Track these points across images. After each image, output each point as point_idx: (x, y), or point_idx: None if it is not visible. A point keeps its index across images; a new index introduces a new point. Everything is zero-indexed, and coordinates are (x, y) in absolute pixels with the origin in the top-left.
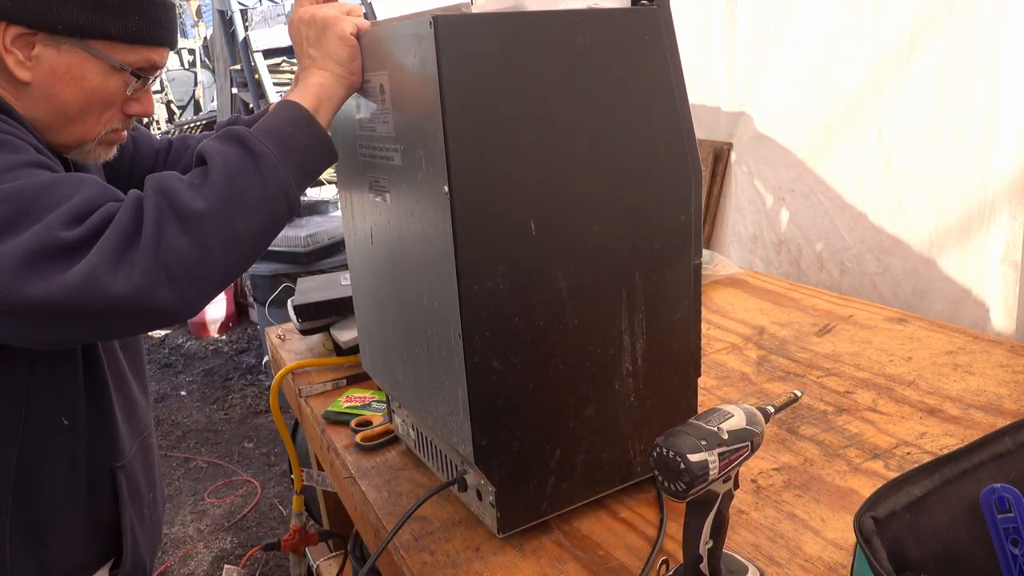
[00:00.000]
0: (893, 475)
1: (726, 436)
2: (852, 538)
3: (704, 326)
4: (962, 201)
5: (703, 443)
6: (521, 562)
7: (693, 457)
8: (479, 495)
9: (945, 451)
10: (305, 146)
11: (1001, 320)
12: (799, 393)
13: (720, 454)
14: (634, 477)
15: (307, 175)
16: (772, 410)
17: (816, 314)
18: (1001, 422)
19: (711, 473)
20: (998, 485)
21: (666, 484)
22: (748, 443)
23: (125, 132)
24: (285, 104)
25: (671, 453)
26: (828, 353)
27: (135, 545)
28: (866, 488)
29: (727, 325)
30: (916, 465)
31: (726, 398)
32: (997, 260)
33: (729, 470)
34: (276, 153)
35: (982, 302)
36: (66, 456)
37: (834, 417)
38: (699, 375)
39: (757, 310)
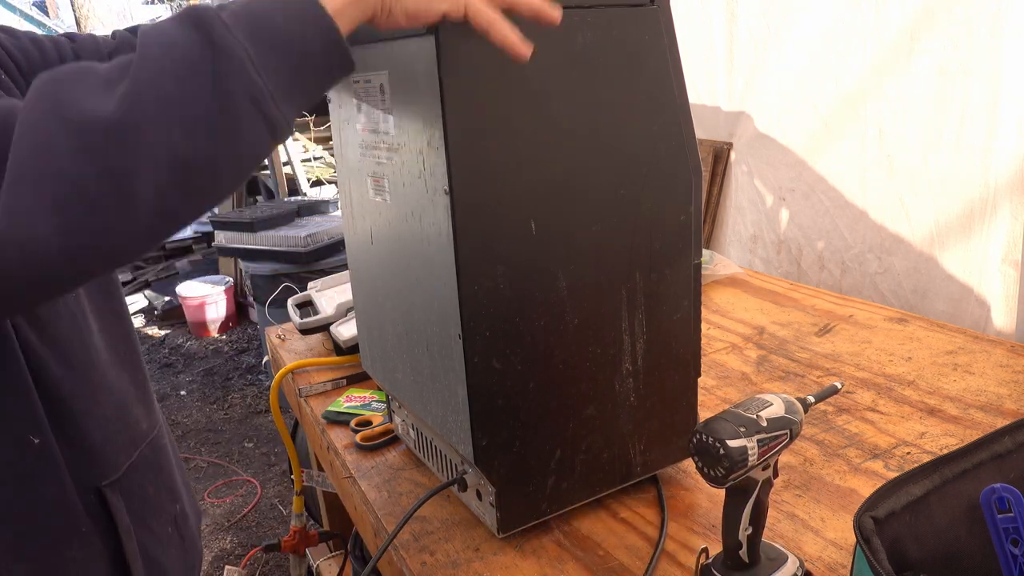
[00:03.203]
0: (893, 475)
1: (765, 424)
2: (852, 538)
3: (704, 326)
4: (963, 200)
5: (742, 430)
6: (521, 562)
7: (732, 443)
8: (479, 495)
9: (945, 451)
10: (300, 43)
11: (1002, 319)
12: (840, 385)
13: (759, 440)
14: (634, 477)
15: (301, 87)
16: (812, 400)
17: (816, 314)
18: (1001, 422)
19: (750, 459)
20: (998, 485)
21: (705, 470)
22: (787, 431)
23: None
24: None
25: (710, 439)
26: (828, 353)
27: (158, 572)
28: (866, 488)
29: (727, 325)
30: (916, 465)
31: (726, 398)
32: (998, 259)
33: (768, 457)
34: (248, 46)
35: (983, 301)
36: (52, 483)
37: (834, 417)
38: (699, 375)
39: (757, 310)
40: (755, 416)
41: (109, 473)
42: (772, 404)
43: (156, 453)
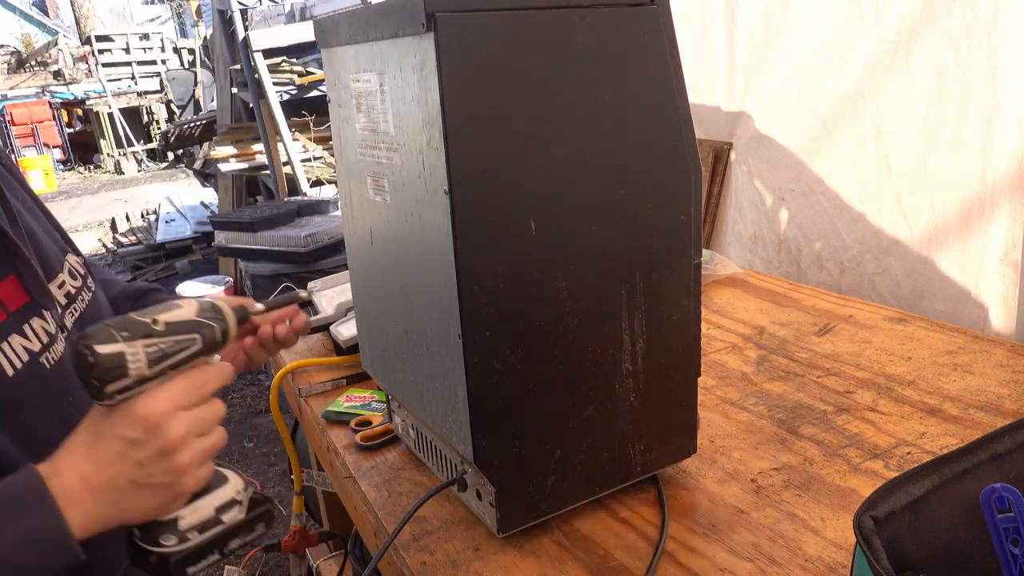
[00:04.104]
0: (893, 475)
1: (161, 327)
2: (852, 538)
3: (704, 326)
4: (961, 200)
5: (123, 334)
6: (521, 562)
7: (103, 348)
8: (479, 495)
9: (945, 451)
10: (40, 571)
11: (1001, 320)
12: (304, 293)
13: (148, 347)
14: (634, 477)
15: None
16: (261, 307)
17: (816, 314)
18: (1001, 422)
19: (131, 368)
20: (998, 485)
21: (83, 383)
22: (195, 336)
23: None
24: (40, 505)
25: (81, 344)
26: (828, 353)
27: None
28: (866, 488)
29: (727, 325)
30: (916, 465)
31: (726, 398)
32: (997, 260)
33: (168, 366)
34: None
35: (981, 302)
36: None
37: (834, 417)
38: (699, 375)
39: (757, 310)
40: (149, 320)
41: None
42: (181, 308)
43: None
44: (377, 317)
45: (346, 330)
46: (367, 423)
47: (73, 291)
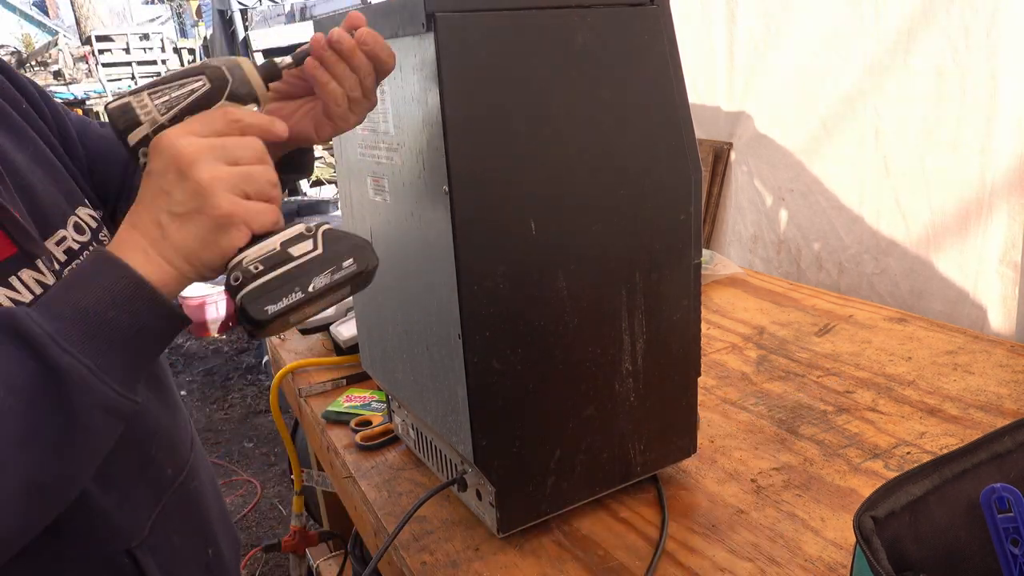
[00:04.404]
0: (893, 475)
1: (163, 76)
2: (852, 538)
3: (704, 326)
4: (959, 201)
5: (131, 89)
6: (521, 562)
7: (113, 104)
8: (479, 495)
9: (945, 451)
10: (138, 331)
11: (1000, 321)
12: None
13: (155, 94)
14: (634, 477)
15: (145, 362)
16: (288, 60)
17: (816, 314)
18: (1001, 422)
19: (142, 115)
20: (998, 485)
21: (116, 134)
22: (200, 76)
23: None
24: (105, 263)
25: (110, 104)
26: (828, 353)
27: None
28: (866, 488)
29: (727, 325)
30: (916, 465)
31: (726, 398)
32: (996, 261)
33: (179, 109)
34: (87, 359)
35: (979, 303)
36: (61, 558)
37: (834, 417)
38: (699, 375)
39: (757, 310)
40: (157, 78)
41: (134, 535)
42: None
43: (184, 500)
44: (377, 317)
45: (346, 330)
46: (367, 423)
47: (76, 247)
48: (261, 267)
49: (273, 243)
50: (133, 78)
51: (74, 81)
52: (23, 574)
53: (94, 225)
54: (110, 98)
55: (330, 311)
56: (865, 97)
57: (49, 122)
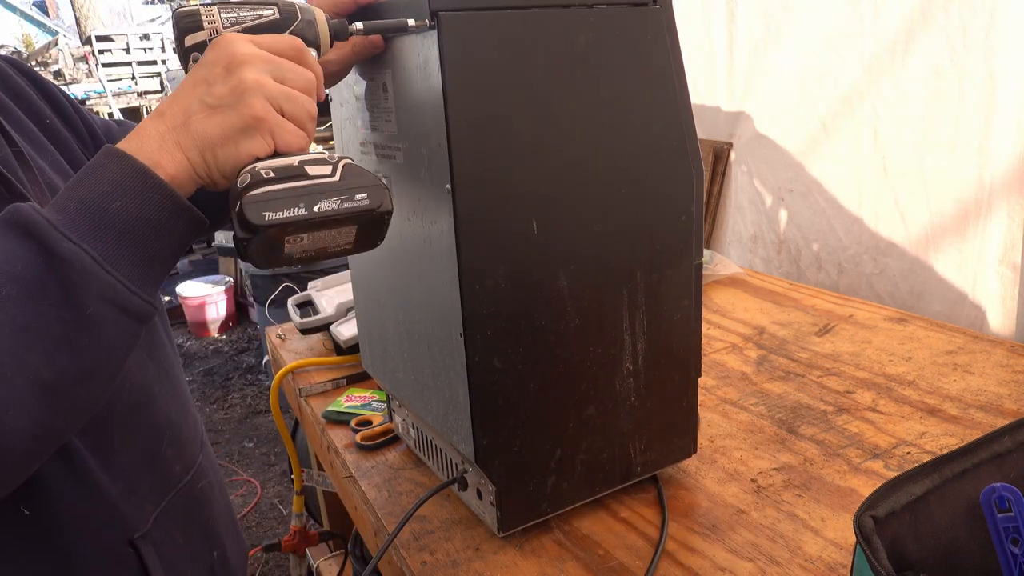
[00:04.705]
0: (893, 475)
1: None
2: (852, 538)
3: (704, 326)
4: (958, 201)
5: (199, 4)
6: (521, 561)
7: (181, 9)
8: (479, 494)
9: (945, 451)
10: (146, 222)
11: (999, 321)
12: (412, 23)
13: (225, 10)
14: (634, 477)
15: (159, 263)
16: (360, 26)
17: (816, 314)
18: (1001, 422)
19: (205, 22)
20: (998, 484)
21: (173, 42)
22: (274, 6)
23: None
24: (111, 156)
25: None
26: (828, 353)
27: None
28: (866, 488)
29: (727, 325)
30: (916, 465)
31: (726, 398)
32: (995, 261)
33: (247, 28)
34: (90, 246)
35: (978, 304)
36: (56, 547)
37: (834, 417)
38: (699, 375)
39: (757, 310)
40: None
41: (137, 526)
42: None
43: (190, 499)
44: (378, 317)
45: (346, 330)
46: (367, 423)
47: None
48: (272, 174)
49: (291, 160)
50: (133, 78)
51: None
52: (28, 558)
53: None
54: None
55: (330, 311)
56: (864, 97)
57: (81, 132)
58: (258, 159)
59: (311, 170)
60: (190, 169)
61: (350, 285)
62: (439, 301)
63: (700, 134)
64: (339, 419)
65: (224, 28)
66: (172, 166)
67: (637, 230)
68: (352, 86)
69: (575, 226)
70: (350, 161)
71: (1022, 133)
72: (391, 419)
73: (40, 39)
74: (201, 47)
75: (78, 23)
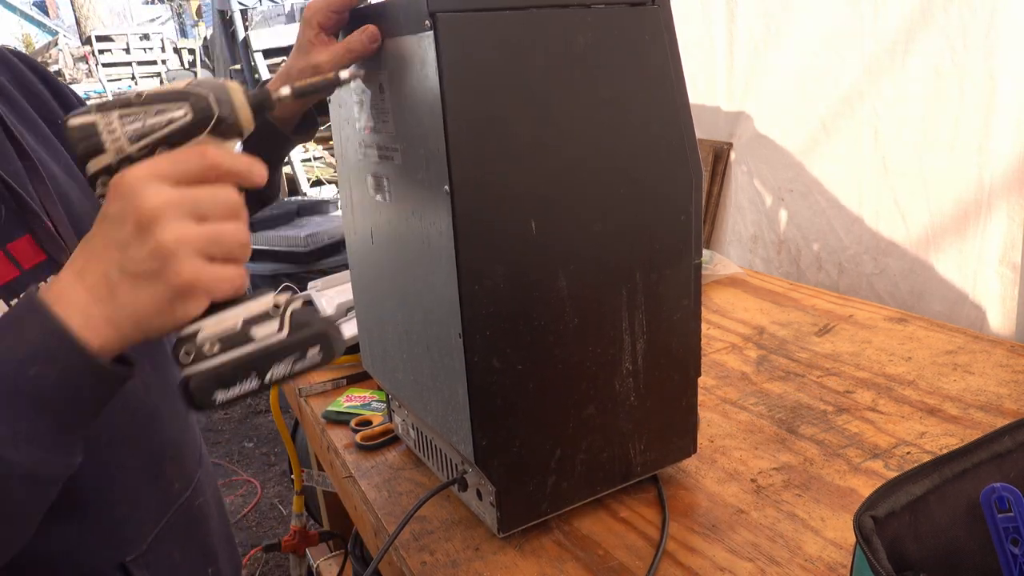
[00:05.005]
0: (893, 475)
1: (142, 99)
2: (852, 538)
3: (704, 326)
4: (958, 201)
5: (99, 105)
6: (521, 561)
7: (75, 120)
8: (479, 495)
9: (945, 451)
10: (66, 388)
11: (999, 321)
12: (345, 75)
13: (125, 116)
14: (634, 477)
15: (81, 423)
16: (286, 92)
17: (816, 314)
18: (1001, 422)
19: (106, 141)
20: (998, 484)
21: (77, 158)
22: (183, 104)
23: None
24: (30, 309)
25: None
26: (828, 353)
27: None
28: (866, 488)
29: (727, 325)
30: (916, 465)
31: (726, 398)
32: (995, 261)
33: (153, 140)
34: (4, 426)
35: (978, 304)
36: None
37: (834, 417)
38: (699, 375)
39: (757, 310)
40: (133, 93)
41: (132, 549)
42: (176, 79)
43: (188, 516)
44: (377, 317)
45: (346, 330)
46: (367, 423)
47: None
48: (218, 347)
49: (235, 319)
50: (133, 78)
51: (74, 81)
52: None
53: None
54: (78, 109)
55: (330, 311)
56: (864, 97)
57: None
58: (198, 317)
59: (257, 332)
60: (121, 339)
61: (350, 285)
62: (438, 302)
63: (700, 134)
64: (339, 419)
65: (129, 145)
66: (102, 340)
67: (636, 230)
68: (351, 86)
69: (574, 226)
70: (297, 303)
71: (1022, 133)
72: (391, 419)
73: (40, 39)
74: (108, 171)
75: (78, 23)
